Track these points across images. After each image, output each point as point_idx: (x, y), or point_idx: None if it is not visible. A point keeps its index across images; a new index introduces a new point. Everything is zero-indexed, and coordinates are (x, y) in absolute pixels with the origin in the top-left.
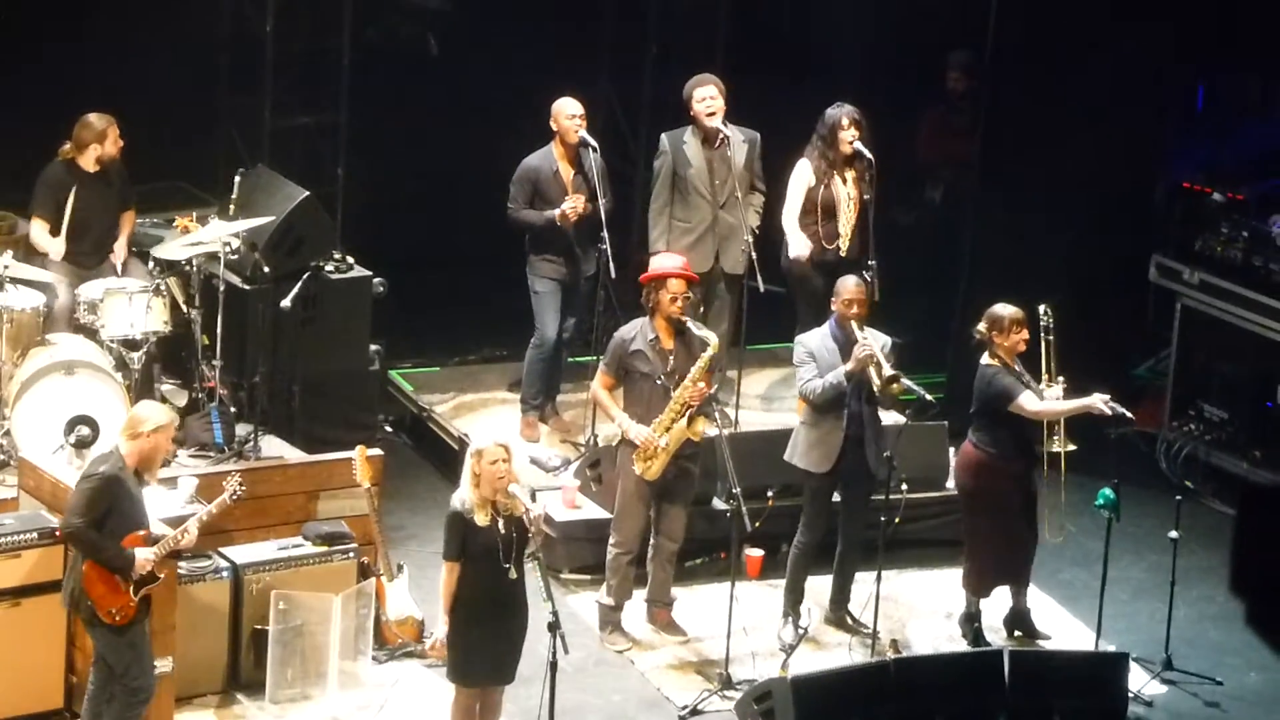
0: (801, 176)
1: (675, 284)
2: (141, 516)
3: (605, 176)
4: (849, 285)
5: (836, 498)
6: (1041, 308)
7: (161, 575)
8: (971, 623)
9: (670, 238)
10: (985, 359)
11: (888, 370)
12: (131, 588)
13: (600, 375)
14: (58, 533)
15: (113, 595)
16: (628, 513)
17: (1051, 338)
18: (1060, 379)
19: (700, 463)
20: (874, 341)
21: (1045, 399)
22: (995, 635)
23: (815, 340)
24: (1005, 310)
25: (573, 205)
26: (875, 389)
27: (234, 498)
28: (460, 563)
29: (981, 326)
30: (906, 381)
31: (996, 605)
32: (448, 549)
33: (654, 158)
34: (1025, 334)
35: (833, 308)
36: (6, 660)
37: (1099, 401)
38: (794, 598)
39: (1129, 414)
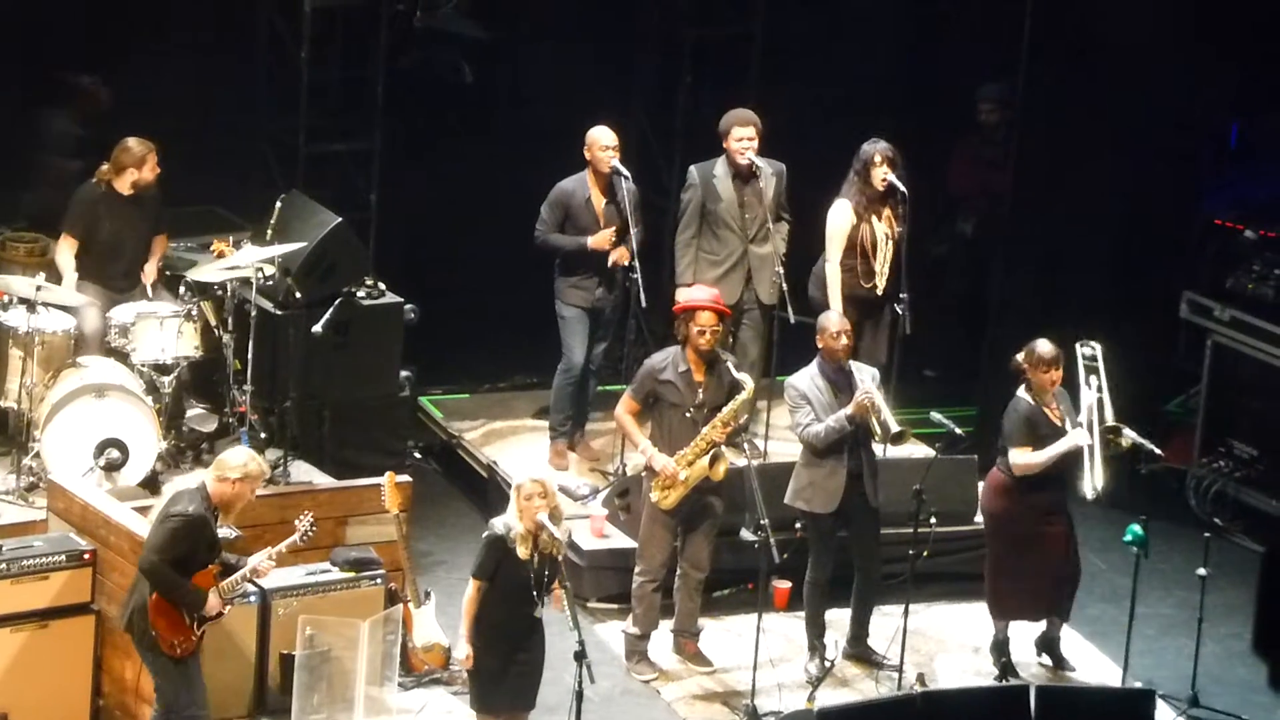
0: (841, 218)
1: (705, 317)
2: (213, 556)
3: (638, 206)
4: (833, 320)
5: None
6: (1081, 347)
7: (226, 611)
8: (1000, 652)
9: (697, 269)
10: (1020, 391)
11: (893, 425)
12: (195, 622)
13: (626, 400)
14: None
15: (177, 628)
16: (651, 541)
17: (1094, 379)
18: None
19: (724, 494)
20: (863, 375)
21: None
22: (1027, 656)
23: (804, 381)
24: (1042, 347)
25: (608, 238)
26: (875, 438)
27: (304, 539)
28: (487, 586)
29: (1019, 357)
30: (936, 415)
31: (1031, 629)
32: (481, 568)
33: (683, 189)
34: (1054, 375)
35: (818, 344)
36: (34, 682)
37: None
38: (815, 630)
39: (1158, 450)
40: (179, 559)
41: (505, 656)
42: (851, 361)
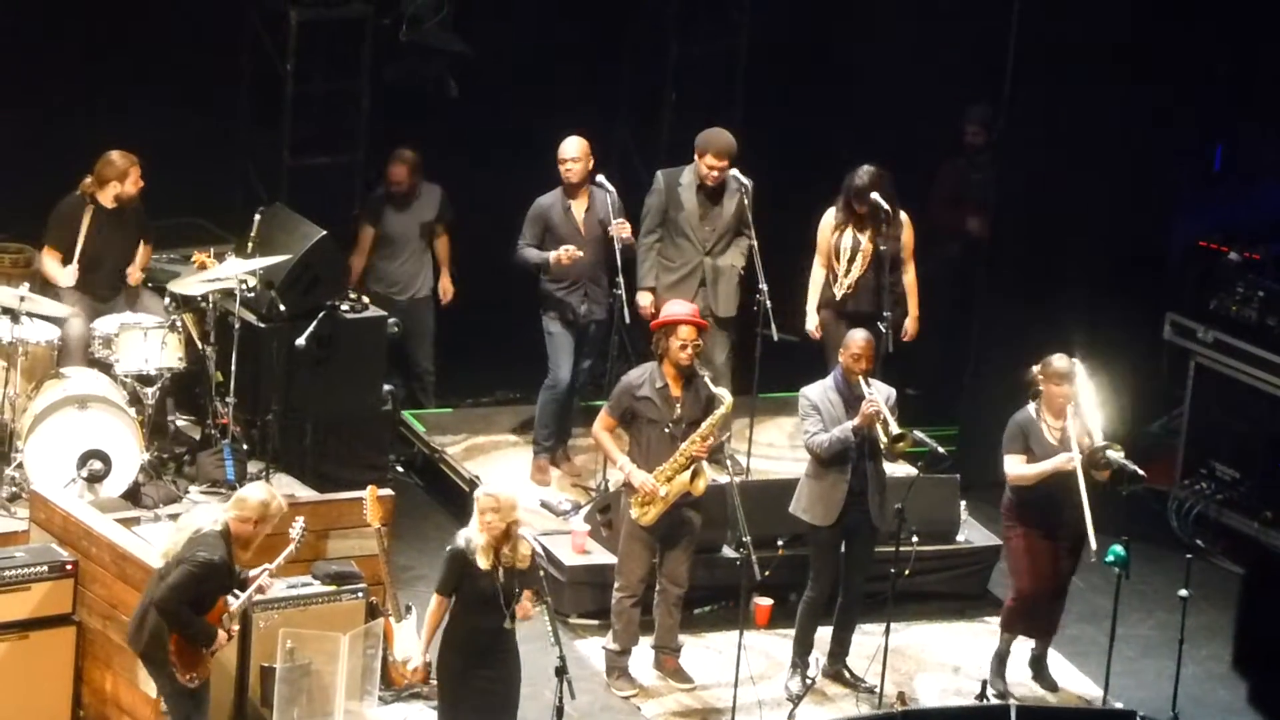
0: (823, 223)
1: (685, 331)
2: (225, 592)
3: (623, 216)
4: (857, 339)
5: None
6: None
7: (234, 631)
8: (998, 664)
9: (656, 273)
10: (1030, 403)
11: (894, 428)
12: (208, 651)
13: (603, 416)
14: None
15: (194, 660)
16: (630, 556)
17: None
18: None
19: (703, 509)
20: (879, 395)
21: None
22: (1021, 675)
23: (817, 392)
24: (1058, 361)
25: (566, 252)
26: (881, 446)
27: (298, 547)
28: (450, 600)
29: (1035, 369)
30: (919, 434)
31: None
32: (442, 584)
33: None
34: (1065, 390)
35: (839, 359)
36: (14, 693)
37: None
38: (802, 649)
39: (1140, 471)
40: (193, 600)
41: (470, 671)
42: (873, 381)
